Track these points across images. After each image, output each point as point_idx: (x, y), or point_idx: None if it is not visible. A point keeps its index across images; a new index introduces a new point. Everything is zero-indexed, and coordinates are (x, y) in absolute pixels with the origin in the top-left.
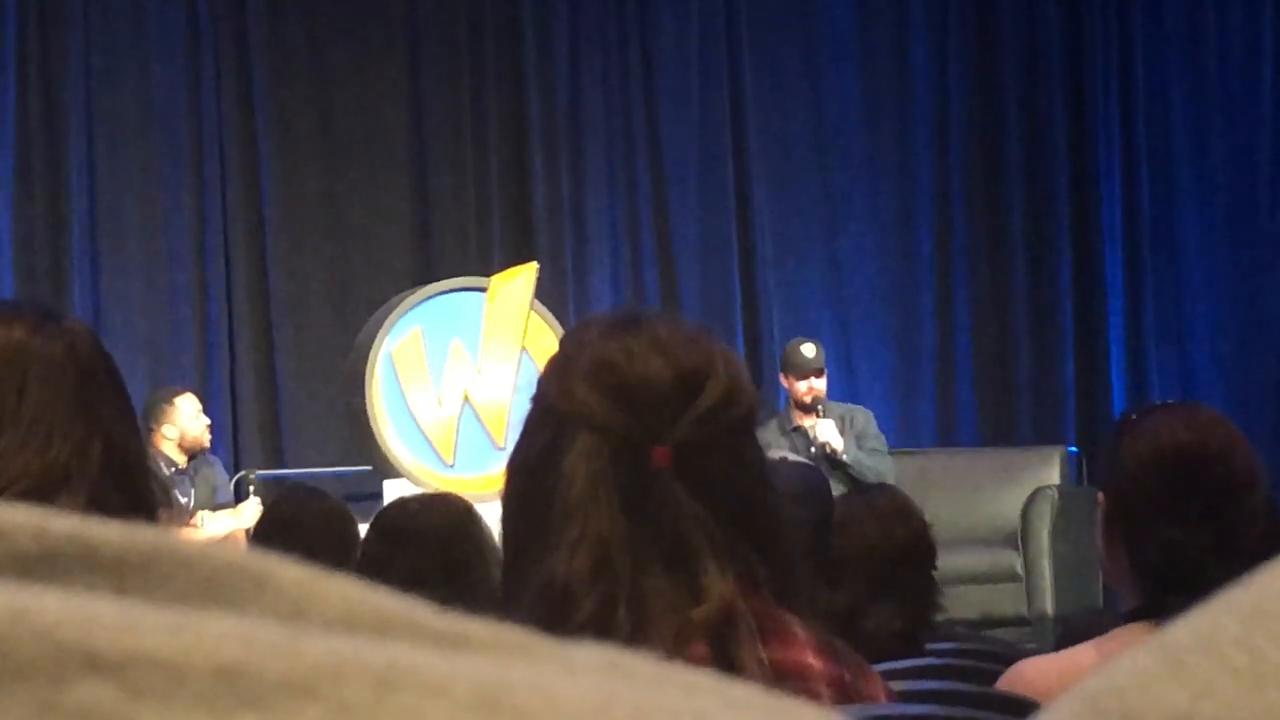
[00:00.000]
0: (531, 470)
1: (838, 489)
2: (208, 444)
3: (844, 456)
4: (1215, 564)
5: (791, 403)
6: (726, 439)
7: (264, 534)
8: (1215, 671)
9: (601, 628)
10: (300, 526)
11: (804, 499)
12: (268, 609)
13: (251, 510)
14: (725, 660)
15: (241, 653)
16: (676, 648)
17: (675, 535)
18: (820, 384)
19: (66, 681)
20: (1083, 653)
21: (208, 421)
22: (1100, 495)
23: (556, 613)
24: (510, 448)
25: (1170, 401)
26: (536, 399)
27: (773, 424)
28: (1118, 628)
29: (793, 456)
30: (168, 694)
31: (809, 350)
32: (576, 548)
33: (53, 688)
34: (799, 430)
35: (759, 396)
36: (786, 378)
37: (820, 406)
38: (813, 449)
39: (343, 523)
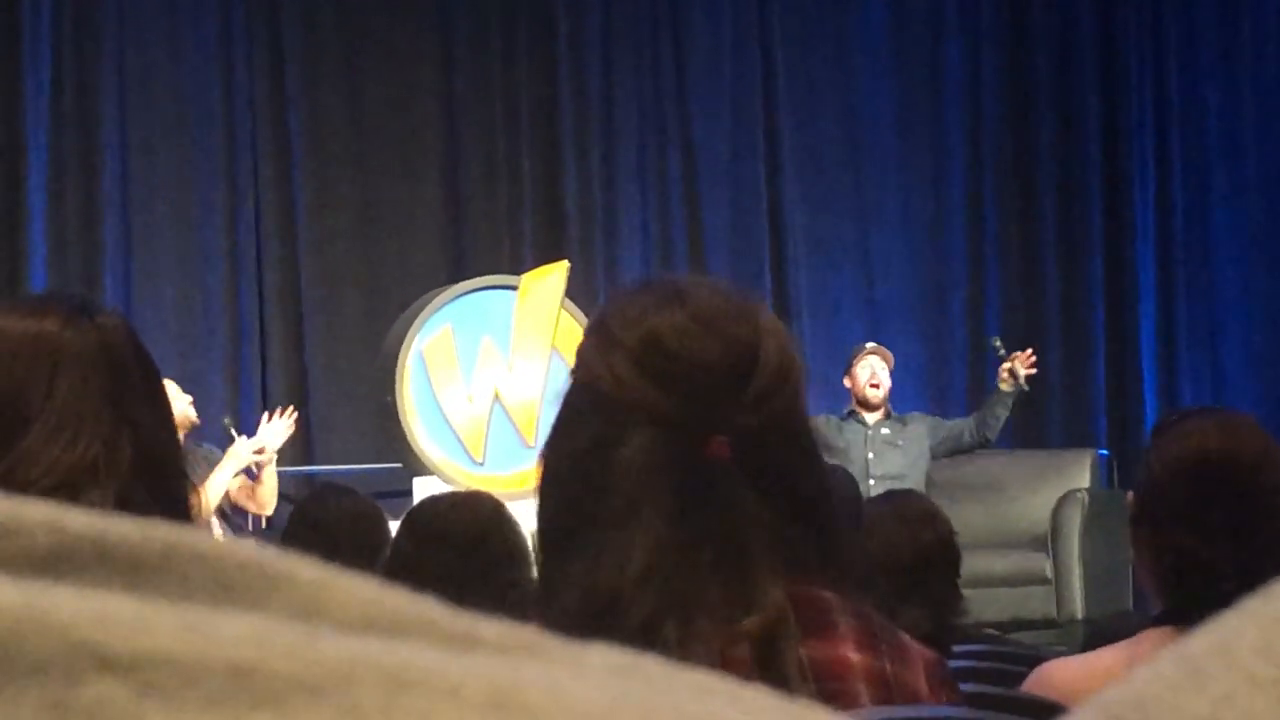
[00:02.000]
0: (579, 461)
1: (895, 481)
2: (195, 419)
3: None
4: (1232, 578)
5: (854, 400)
6: (783, 420)
7: (293, 534)
8: (1236, 681)
9: (647, 640)
10: (328, 527)
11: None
12: (283, 608)
13: (243, 448)
14: (766, 663)
15: (254, 653)
16: (722, 654)
17: (730, 534)
18: (882, 370)
19: (79, 680)
20: (1109, 655)
21: (190, 398)
22: (1129, 494)
23: (601, 621)
24: (542, 440)
25: (1210, 406)
26: (580, 378)
27: (824, 417)
28: (1145, 630)
29: (845, 438)
30: (180, 694)
31: (871, 344)
32: (628, 551)
33: (65, 686)
34: (855, 414)
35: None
36: (849, 374)
37: (997, 347)
38: (882, 436)
39: (371, 522)
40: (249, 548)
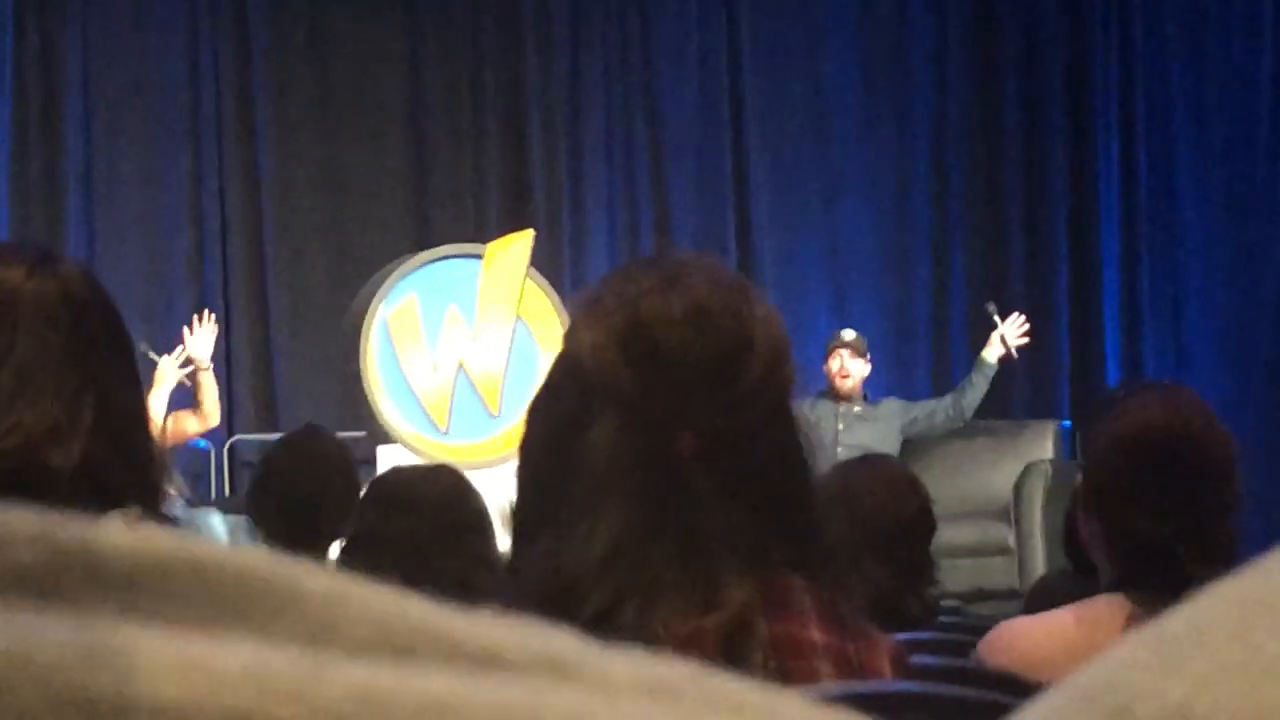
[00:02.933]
0: (554, 437)
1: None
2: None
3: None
4: (1184, 552)
5: (829, 387)
6: (762, 423)
7: (279, 470)
8: (1211, 665)
9: (607, 623)
10: (323, 459)
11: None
12: (290, 630)
13: (167, 366)
14: (730, 658)
15: (254, 700)
16: (684, 650)
17: (691, 531)
18: (853, 364)
19: None
20: (1063, 616)
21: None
22: (1078, 475)
23: (562, 602)
24: (511, 406)
25: (1156, 382)
26: (568, 344)
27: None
28: (1097, 596)
29: (815, 413)
30: None
31: (847, 333)
32: (590, 537)
33: None
34: (828, 392)
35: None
36: (826, 362)
37: (992, 311)
38: (851, 411)
39: (351, 464)
40: (251, 557)
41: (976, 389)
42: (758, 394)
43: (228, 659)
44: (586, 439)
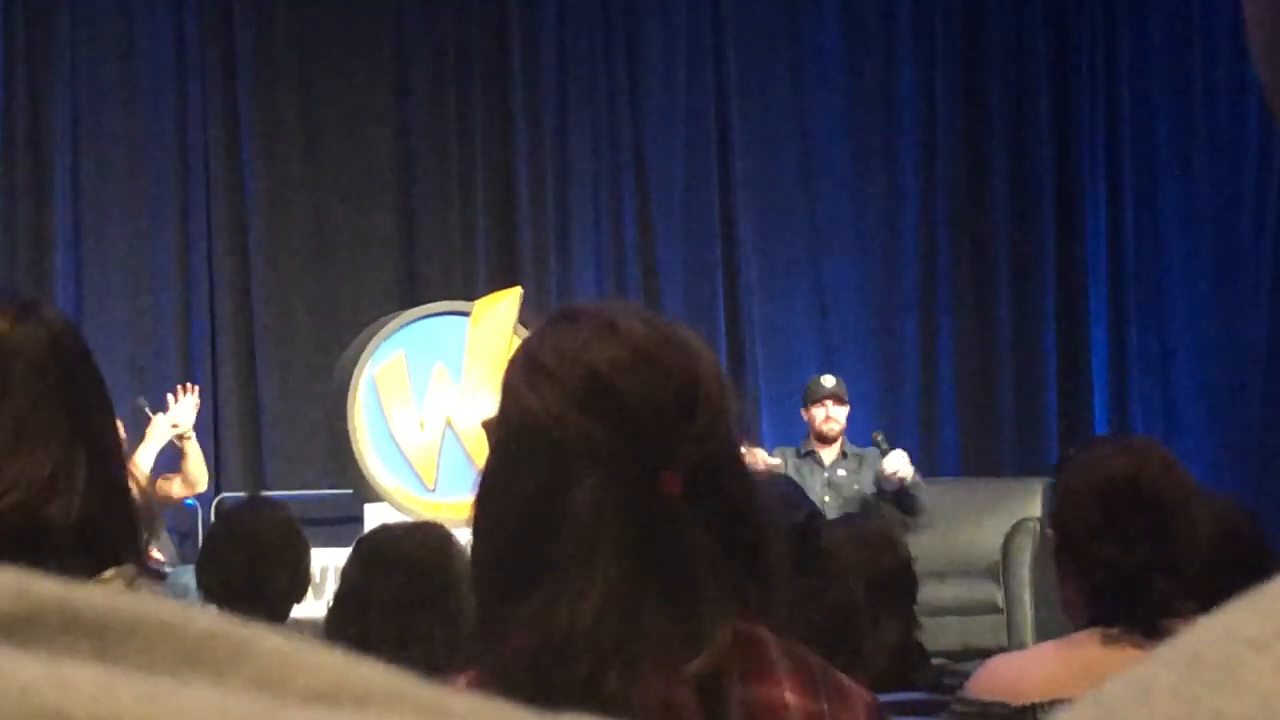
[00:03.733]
0: (528, 507)
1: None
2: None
3: (914, 487)
4: (1159, 578)
5: (811, 435)
6: (725, 449)
7: (216, 545)
8: None
9: (592, 690)
10: (255, 537)
11: (791, 505)
12: (248, 679)
13: (162, 424)
14: (709, 704)
15: None
16: (665, 700)
17: (681, 575)
18: (838, 411)
19: None
20: (1045, 649)
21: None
22: (1049, 531)
23: (549, 667)
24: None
25: (1108, 435)
26: (512, 414)
27: (790, 448)
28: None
29: (799, 478)
30: None
31: (829, 380)
32: (584, 597)
33: None
34: (813, 454)
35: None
36: (806, 410)
37: (878, 439)
38: (840, 478)
39: (295, 535)
40: (214, 617)
41: (915, 501)
42: (715, 424)
43: (192, 694)
44: (569, 503)
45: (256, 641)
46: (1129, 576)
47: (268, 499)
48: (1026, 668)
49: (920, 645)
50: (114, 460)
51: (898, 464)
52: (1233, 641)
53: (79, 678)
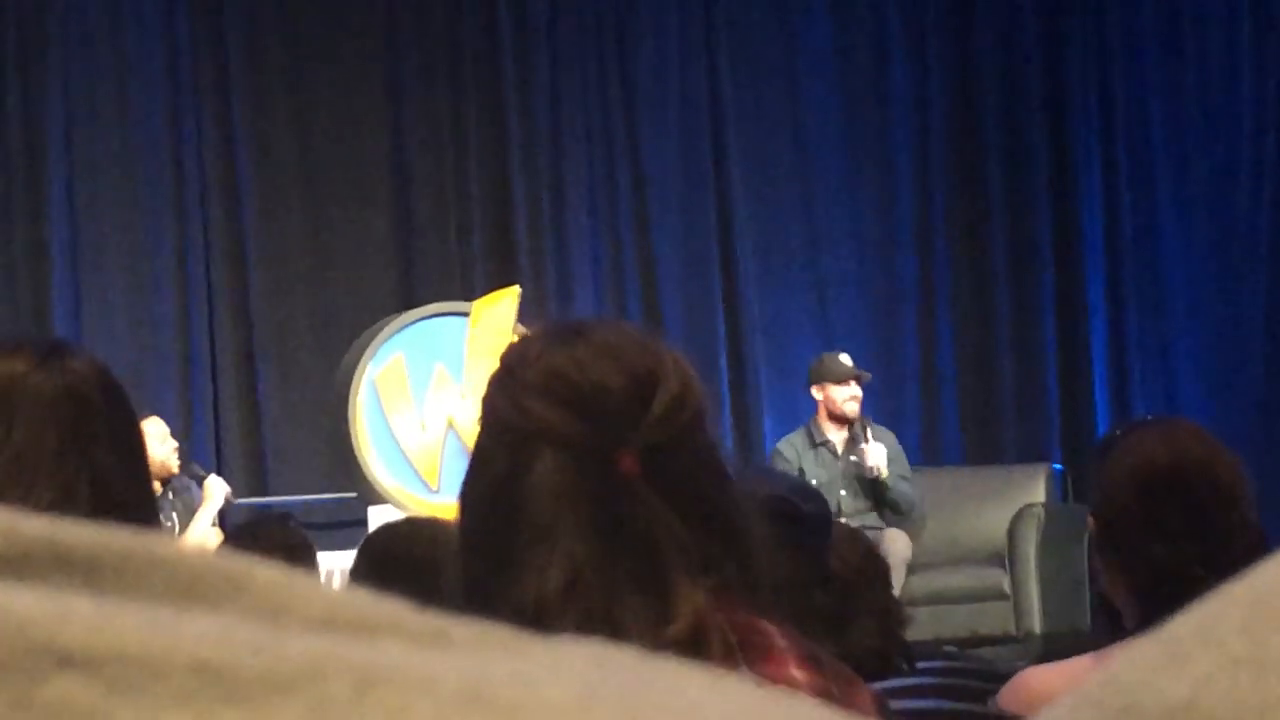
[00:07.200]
0: (493, 497)
1: (866, 515)
2: (176, 469)
3: (887, 482)
4: (1206, 578)
5: (823, 415)
6: (687, 438)
7: None
8: (1216, 661)
9: None
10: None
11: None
12: (246, 609)
13: (216, 485)
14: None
15: (220, 650)
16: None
17: (645, 547)
18: (860, 392)
19: (41, 678)
20: (1083, 661)
21: (175, 445)
22: (1089, 518)
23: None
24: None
25: (1150, 418)
26: (486, 421)
27: (798, 435)
28: (1118, 643)
29: (816, 472)
30: (146, 690)
31: (846, 358)
32: (547, 569)
33: (27, 684)
34: (828, 444)
35: (709, 397)
36: (822, 387)
37: (865, 424)
38: (854, 466)
39: (303, 553)
40: (207, 552)
41: (902, 495)
42: (678, 410)
43: (192, 621)
44: (526, 484)
45: (253, 573)
46: (1178, 574)
47: (270, 516)
48: (1061, 684)
49: (901, 637)
50: (129, 495)
51: (876, 458)
52: None
53: (77, 608)
